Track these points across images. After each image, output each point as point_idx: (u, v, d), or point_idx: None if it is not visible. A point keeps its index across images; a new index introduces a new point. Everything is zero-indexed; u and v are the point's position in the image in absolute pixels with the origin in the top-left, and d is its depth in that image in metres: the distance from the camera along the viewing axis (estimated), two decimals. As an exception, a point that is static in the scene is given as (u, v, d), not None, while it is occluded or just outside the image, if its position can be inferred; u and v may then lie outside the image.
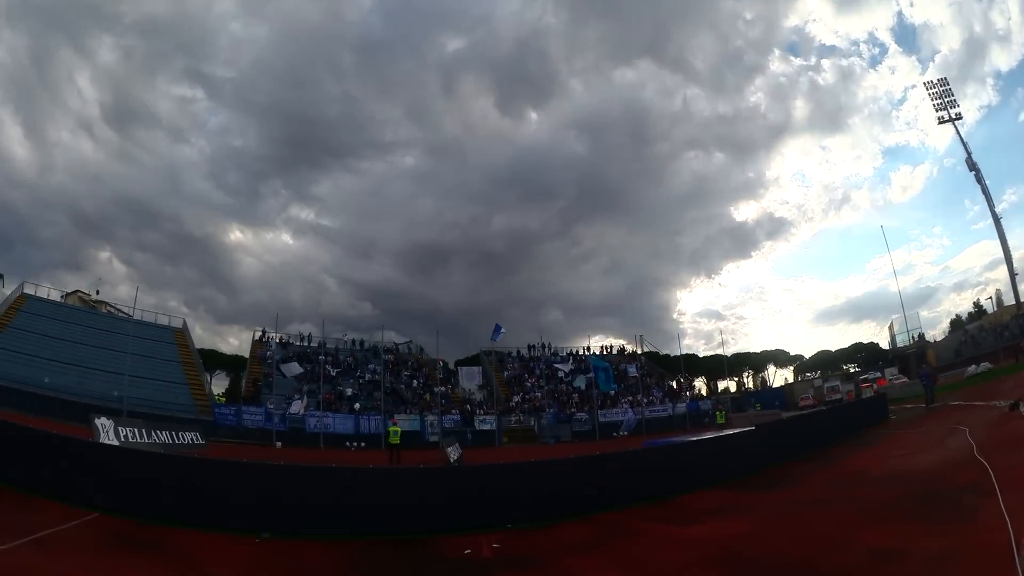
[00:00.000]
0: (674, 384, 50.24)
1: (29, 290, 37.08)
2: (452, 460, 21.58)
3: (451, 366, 49.27)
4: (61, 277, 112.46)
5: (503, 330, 43.09)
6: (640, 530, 9.85)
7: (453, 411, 38.70)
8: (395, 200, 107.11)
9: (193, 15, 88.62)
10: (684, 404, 43.21)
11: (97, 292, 53.00)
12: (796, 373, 70.71)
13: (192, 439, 23.20)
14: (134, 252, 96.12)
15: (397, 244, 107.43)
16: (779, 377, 72.05)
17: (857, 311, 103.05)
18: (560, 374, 47.34)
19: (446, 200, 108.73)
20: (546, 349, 51.32)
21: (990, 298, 49.43)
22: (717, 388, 66.91)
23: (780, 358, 72.39)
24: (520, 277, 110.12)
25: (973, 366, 32.69)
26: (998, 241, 45.27)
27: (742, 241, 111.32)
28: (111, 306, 48.89)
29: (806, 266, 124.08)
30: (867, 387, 38.46)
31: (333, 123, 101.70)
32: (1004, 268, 44.21)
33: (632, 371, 46.43)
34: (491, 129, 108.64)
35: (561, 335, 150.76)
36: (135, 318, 38.03)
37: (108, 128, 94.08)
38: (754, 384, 72.28)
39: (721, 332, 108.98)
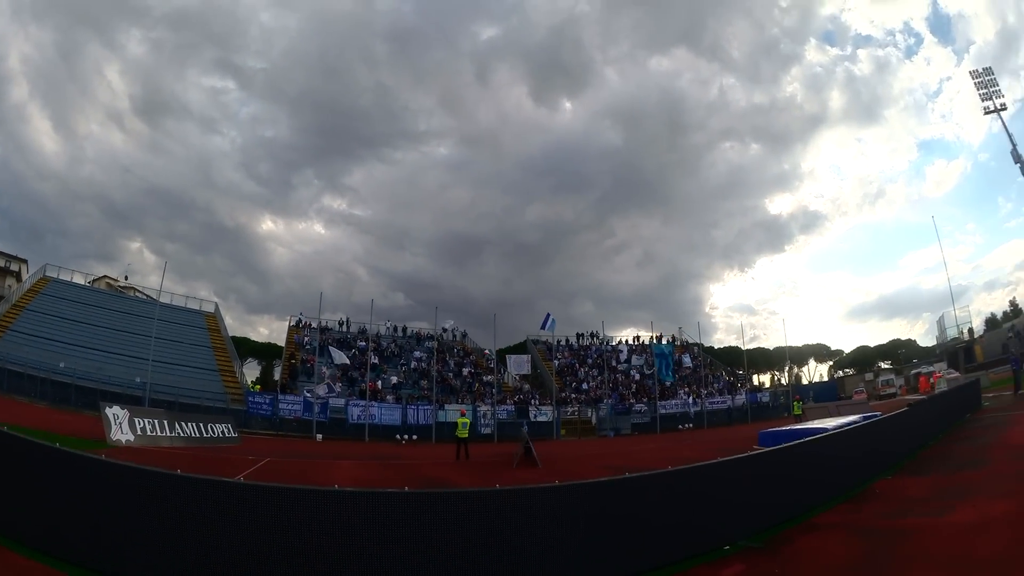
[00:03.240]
0: (726, 375, 47.56)
1: (52, 274, 34.66)
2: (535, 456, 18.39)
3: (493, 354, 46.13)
4: (91, 267, 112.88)
5: (551, 318, 39.83)
6: (896, 529, 7.23)
7: (507, 401, 35.34)
8: (428, 190, 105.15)
9: (222, 7, 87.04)
10: (742, 396, 41.58)
11: (126, 278, 51.03)
12: (832, 369, 69.28)
13: (223, 432, 20.20)
14: (165, 242, 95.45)
15: (430, 234, 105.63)
16: (816, 373, 70.18)
17: (889, 308, 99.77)
18: (613, 363, 43.77)
19: (480, 190, 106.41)
20: (595, 338, 48.04)
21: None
22: (752, 382, 64.14)
23: (821, 353, 70.86)
24: (553, 268, 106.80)
25: (1027, 360, 33.99)
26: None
27: (776, 234, 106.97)
28: (139, 291, 46.67)
29: (839, 261, 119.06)
30: (925, 381, 38.12)
31: (366, 113, 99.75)
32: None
33: (687, 361, 44.85)
34: (525, 119, 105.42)
35: (593, 327, 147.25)
36: (164, 302, 35.34)
37: (138, 120, 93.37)
38: (787, 379, 68.96)
39: (753, 326, 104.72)
